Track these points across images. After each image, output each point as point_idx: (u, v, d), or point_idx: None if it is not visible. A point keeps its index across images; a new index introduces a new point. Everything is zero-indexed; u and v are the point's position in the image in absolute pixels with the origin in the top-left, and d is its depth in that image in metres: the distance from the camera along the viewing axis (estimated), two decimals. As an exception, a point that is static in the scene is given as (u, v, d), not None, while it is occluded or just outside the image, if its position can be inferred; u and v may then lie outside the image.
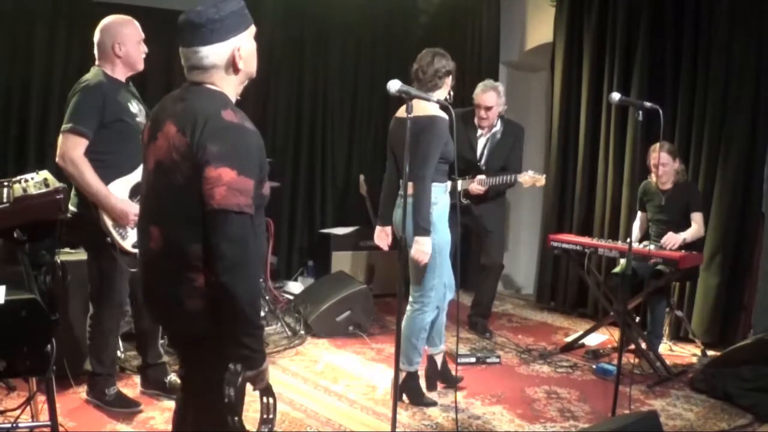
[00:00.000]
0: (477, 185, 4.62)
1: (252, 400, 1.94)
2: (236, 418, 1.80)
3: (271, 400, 1.87)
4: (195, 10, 1.81)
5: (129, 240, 3.10)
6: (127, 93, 3.20)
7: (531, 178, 4.49)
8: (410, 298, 3.53)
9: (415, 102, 3.33)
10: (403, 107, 3.40)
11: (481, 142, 4.78)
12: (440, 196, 3.43)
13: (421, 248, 3.29)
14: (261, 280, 4.02)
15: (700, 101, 4.70)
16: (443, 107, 3.20)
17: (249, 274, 1.76)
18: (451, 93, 3.58)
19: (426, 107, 3.34)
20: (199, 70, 1.85)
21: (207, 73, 1.85)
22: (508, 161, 4.77)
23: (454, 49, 6.28)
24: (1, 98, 4.90)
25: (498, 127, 4.76)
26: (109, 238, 3.07)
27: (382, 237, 3.73)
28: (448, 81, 3.49)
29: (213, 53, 1.83)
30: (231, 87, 1.89)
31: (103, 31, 3.13)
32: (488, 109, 4.61)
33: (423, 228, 3.29)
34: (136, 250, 3.08)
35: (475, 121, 4.72)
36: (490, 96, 4.59)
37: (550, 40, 5.73)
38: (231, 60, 1.85)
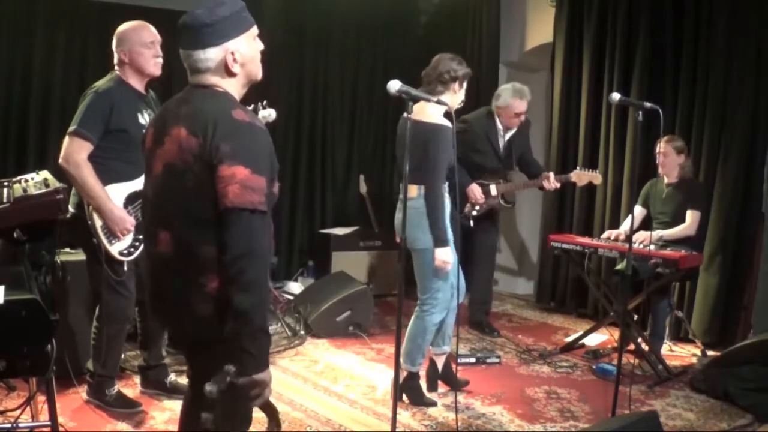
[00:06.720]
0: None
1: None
2: (210, 416, 1.61)
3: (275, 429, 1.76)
4: (192, 13, 1.82)
5: (116, 246, 3.07)
6: (141, 103, 3.17)
7: (587, 176, 4.62)
8: (418, 301, 3.52)
9: (424, 106, 3.33)
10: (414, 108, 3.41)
11: (504, 142, 4.79)
12: None
13: (441, 258, 3.32)
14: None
15: (700, 101, 4.69)
16: (446, 114, 3.18)
17: (258, 270, 1.73)
18: (463, 101, 3.53)
19: (431, 114, 3.33)
20: (198, 73, 1.86)
21: (205, 75, 1.86)
22: (524, 155, 4.88)
23: (454, 49, 6.28)
24: (1, 98, 4.90)
25: None
26: (95, 239, 3.04)
27: None
28: (455, 87, 3.43)
29: (207, 57, 1.83)
30: (232, 89, 1.89)
31: (115, 37, 3.14)
32: (525, 113, 4.69)
33: (440, 240, 3.31)
34: (123, 258, 3.09)
35: (498, 123, 4.71)
36: (525, 103, 4.63)
37: (550, 40, 5.73)
38: (224, 64, 1.84)
